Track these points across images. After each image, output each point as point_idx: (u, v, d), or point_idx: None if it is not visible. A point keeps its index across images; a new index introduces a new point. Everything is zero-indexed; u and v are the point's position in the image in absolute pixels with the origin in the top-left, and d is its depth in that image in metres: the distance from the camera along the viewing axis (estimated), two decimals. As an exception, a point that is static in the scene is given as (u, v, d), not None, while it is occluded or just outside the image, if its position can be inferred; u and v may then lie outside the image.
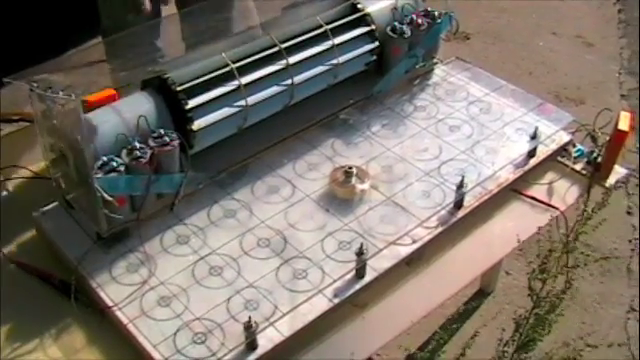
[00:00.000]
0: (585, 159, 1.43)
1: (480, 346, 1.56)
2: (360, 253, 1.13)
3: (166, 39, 1.41)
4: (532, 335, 1.48)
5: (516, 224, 1.32)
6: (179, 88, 1.20)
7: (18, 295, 1.15)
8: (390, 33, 1.45)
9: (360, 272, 1.15)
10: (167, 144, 1.15)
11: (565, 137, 1.44)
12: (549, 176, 1.41)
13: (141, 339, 1.05)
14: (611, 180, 1.41)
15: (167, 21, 1.56)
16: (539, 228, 1.30)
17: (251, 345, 1.04)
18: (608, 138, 1.39)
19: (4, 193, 1.34)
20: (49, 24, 2.54)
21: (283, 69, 1.31)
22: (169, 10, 1.76)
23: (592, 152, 1.42)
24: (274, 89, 1.31)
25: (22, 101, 1.15)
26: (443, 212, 1.27)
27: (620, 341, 1.85)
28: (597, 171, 1.40)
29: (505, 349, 1.52)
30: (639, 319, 1.91)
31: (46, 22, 2.56)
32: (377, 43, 1.45)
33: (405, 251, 1.20)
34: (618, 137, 1.35)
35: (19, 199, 1.32)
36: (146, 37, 1.36)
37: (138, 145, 1.13)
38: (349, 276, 1.15)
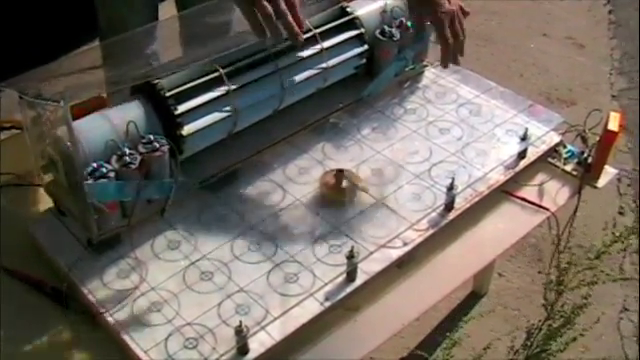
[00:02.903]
0: (576, 160, 1.43)
1: (476, 347, 1.56)
2: (351, 256, 1.13)
3: (162, 43, 1.41)
4: (543, 347, 1.48)
5: (507, 226, 1.32)
6: (168, 93, 1.20)
7: (10, 303, 1.15)
8: (379, 36, 1.45)
9: (351, 275, 1.15)
10: (157, 149, 1.15)
11: (555, 138, 1.44)
12: (540, 177, 1.41)
13: (132, 345, 1.05)
14: (602, 181, 1.42)
15: (164, 24, 1.55)
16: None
17: (242, 349, 1.04)
18: (598, 139, 1.39)
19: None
20: (42, 30, 2.54)
21: (272, 73, 1.31)
22: (167, 13, 1.75)
23: (582, 153, 1.42)
24: (264, 94, 1.31)
25: (15, 108, 1.15)
26: (434, 214, 1.27)
27: (614, 341, 1.86)
28: (588, 172, 1.40)
29: (515, 357, 1.52)
30: (638, 320, 1.92)
31: (39, 28, 2.57)
32: (366, 46, 1.45)
33: (396, 254, 1.20)
34: (608, 137, 1.36)
35: (10, 207, 1.32)
36: (141, 42, 1.35)
37: (128, 151, 1.13)
38: (340, 279, 1.15)
